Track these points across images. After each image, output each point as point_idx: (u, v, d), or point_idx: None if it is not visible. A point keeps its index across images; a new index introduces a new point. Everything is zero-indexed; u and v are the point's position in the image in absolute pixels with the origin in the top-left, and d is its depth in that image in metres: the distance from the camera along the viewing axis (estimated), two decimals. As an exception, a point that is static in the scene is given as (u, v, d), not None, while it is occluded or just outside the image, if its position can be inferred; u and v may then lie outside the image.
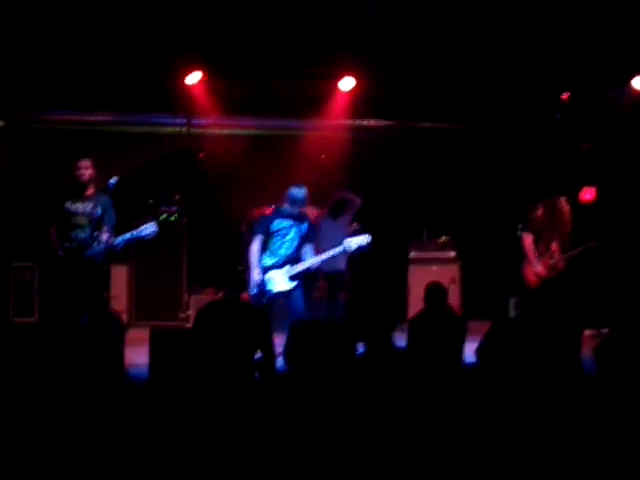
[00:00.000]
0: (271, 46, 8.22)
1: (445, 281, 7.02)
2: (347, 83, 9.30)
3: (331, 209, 8.28)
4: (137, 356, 6.12)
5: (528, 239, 7.67)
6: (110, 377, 4.89)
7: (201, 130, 9.80)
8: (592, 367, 4.29)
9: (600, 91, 8.99)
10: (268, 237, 6.68)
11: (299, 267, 6.60)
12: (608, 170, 9.29)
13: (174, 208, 9.41)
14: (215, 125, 9.75)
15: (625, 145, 9.11)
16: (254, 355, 5.30)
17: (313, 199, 9.75)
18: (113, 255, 6.73)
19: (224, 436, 3.79)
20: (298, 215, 6.74)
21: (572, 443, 3.49)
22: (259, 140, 9.98)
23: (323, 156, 10.03)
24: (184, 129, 9.57)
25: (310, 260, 6.65)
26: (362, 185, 9.56)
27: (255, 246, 6.63)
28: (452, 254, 9.80)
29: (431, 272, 9.27)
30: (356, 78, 9.22)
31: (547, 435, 3.60)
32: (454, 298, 8.69)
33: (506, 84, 9.11)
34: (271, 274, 6.58)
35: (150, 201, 9.43)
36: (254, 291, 6.54)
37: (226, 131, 9.89)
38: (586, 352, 4.88)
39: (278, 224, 6.69)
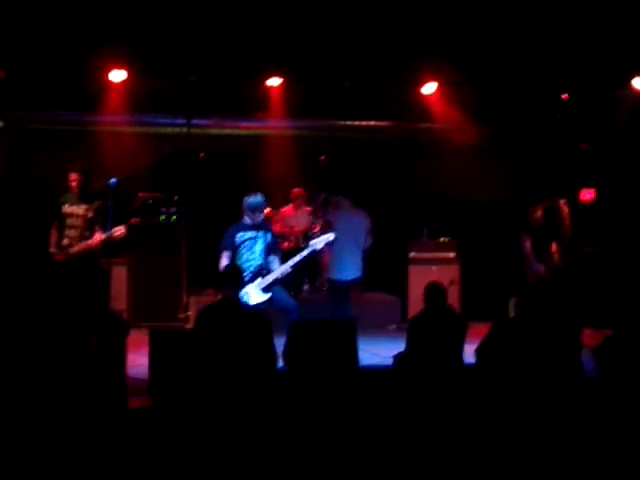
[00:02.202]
0: (270, 47, 8.20)
1: (445, 281, 7.03)
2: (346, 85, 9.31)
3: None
4: (137, 357, 6.13)
5: (527, 241, 7.66)
6: (111, 376, 4.89)
7: (201, 130, 9.79)
8: (592, 367, 4.29)
9: (600, 91, 8.98)
10: (235, 250, 6.72)
11: (270, 278, 6.65)
12: (608, 170, 9.29)
13: (173, 209, 9.40)
14: (215, 125, 9.75)
15: (625, 145, 9.10)
16: (253, 356, 5.29)
17: (312, 199, 9.82)
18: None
19: (225, 436, 3.78)
20: (261, 225, 6.82)
21: (572, 442, 3.49)
22: (259, 140, 9.98)
23: (322, 157, 10.04)
24: (184, 129, 9.56)
25: (280, 269, 6.71)
26: (361, 185, 9.57)
27: (224, 262, 6.65)
28: (452, 254, 9.81)
29: (431, 272, 9.27)
30: (353, 80, 9.23)
31: (547, 435, 3.60)
32: (454, 299, 8.70)
33: (506, 84, 9.10)
34: (246, 288, 6.58)
35: (149, 202, 9.41)
36: None
37: (226, 131, 9.88)
38: (586, 352, 4.88)
39: (242, 236, 6.75)
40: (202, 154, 9.82)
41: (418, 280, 8.93)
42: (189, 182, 9.59)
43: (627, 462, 3.32)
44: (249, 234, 6.76)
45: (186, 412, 4.16)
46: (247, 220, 6.82)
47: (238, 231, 6.79)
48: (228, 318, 5.45)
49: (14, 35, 7.71)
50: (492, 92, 9.32)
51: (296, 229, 9.58)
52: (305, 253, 6.83)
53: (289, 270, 6.73)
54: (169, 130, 9.69)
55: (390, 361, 5.81)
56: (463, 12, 7.61)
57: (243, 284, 6.32)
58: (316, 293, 9.40)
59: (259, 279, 6.65)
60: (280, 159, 9.80)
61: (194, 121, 9.55)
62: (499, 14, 7.61)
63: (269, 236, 6.83)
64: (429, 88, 9.31)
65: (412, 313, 7.57)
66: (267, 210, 9.14)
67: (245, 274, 6.53)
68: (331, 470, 3.48)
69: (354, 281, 7.98)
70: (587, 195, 9.49)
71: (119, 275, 9.02)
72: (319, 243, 6.85)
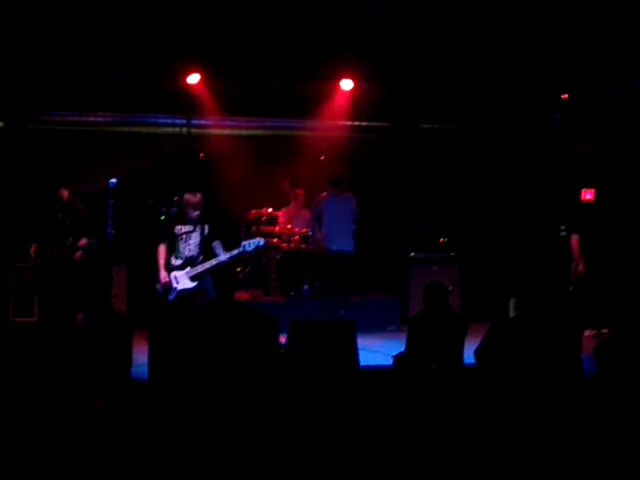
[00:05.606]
0: (270, 47, 8.21)
1: (445, 281, 7.02)
2: (347, 84, 9.34)
3: (332, 182, 8.91)
4: (137, 356, 6.13)
5: (575, 239, 7.84)
6: (115, 376, 4.89)
7: (201, 130, 9.81)
8: (592, 367, 4.29)
9: (600, 91, 8.99)
10: (174, 241, 7.09)
11: (199, 268, 6.95)
12: (607, 170, 9.29)
13: (173, 209, 9.41)
14: (215, 125, 9.75)
15: (625, 145, 9.11)
16: (254, 355, 5.29)
17: (311, 199, 9.82)
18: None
19: (224, 436, 3.78)
20: (198, 219, 7.09)
21: (572, 443, 3.49)
22: (259, 140, 9.98)
23: (322, 157, 10.04)
24: (184, 129, 9.58)
25: (208, 263, 6.97)
26: (362, 185, 9.58)
27: (160, 249, 7.08)
28: (451, 255, 9.81)
29: (431, 272, 9.26)
30: (355, 79, 9.24)
31: (547, 435, 3.60)
32: (453, 299, 8.69)
33: (506, 85, 9.11)
34: (176, 273, 7.00)
35: (150, 202, 9.43)
36: (160, 290, 7.00)
37: (226, 131, 9.89)
38: (586, 352, 4.87)
39: (179, 229, 7.11)
40: (202, 154, 9.84)
41: (418, 280, 8.92)
42: (189, 182, 9.59)
43: (627, 462, 3.33)
44: (187, 228, 7.08)
45: (186, 409, 4.16)
46: (185, 214, 7.14)
47: (177, 224, 7.15)
48: (227, 316, 5.44)
49: (14, 36, 7.73)
50: (493, 93, 9.33)
51: (295, 230, 9.57)
52: (235, 252, 7.02)
53: (214, 264, 6.91)
54: (169, 130, 9.71)
55: (390, 361, 5.80)
56: (464, 13, 7.63)
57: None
58: (315, 293, 9.39)
59: (188, 268, 6.95)
60: (281, 159, 9.82)
61: (194, 121, 9.58)
62: (500, 14, 7.62)
63: (206, 229, 7.10)
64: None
65: (412, 313, 7.57)
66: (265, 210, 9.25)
67: (180, 262, 6.98)
68: (331, 470, 3.48)
69: (344, 252, 8.77)
70: (587, 195, 9.49)
71: (119, 275, 9.02)
72: (250, 245, 7.04)
